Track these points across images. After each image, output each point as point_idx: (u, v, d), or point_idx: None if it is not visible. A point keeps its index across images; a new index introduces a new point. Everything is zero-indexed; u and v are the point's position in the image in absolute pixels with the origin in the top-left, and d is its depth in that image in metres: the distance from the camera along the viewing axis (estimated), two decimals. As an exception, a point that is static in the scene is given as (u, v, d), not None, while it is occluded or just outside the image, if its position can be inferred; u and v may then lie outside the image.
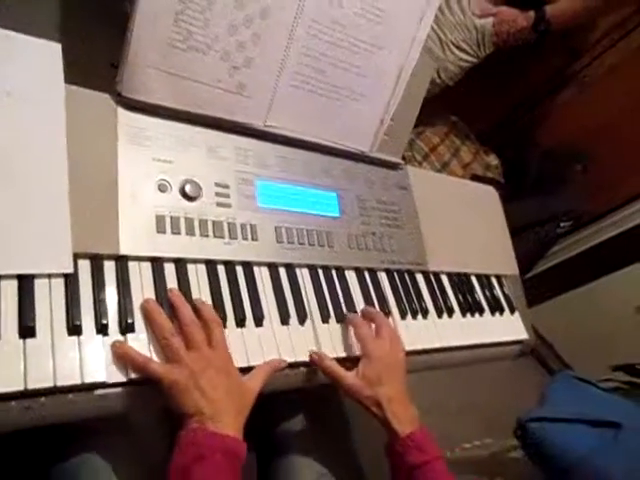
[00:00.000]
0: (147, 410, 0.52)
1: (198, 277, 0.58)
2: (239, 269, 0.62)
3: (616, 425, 0.82)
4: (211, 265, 0.60)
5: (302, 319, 0.64)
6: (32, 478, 0.55)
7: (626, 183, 1.59)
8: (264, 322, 0.60)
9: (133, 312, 0.51)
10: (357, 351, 0.66)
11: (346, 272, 0.73)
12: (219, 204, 0.62)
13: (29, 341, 0.44)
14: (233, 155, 0.67)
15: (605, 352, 1.64)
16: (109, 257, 0.53)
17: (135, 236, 0.55)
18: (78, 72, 0.57)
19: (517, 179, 1.63)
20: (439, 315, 0.80)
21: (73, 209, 0.50)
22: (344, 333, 0.67)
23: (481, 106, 1.77)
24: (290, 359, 0.60)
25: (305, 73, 0.69)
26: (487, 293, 0.91)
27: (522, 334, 0.92)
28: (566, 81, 1.63)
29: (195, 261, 0.59)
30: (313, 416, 0.72)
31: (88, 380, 0.45)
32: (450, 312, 0.81)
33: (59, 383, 0.44)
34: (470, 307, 0.85)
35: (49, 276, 0.48)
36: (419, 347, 0.74)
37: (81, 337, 0.47)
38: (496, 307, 0.90)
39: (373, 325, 0.67)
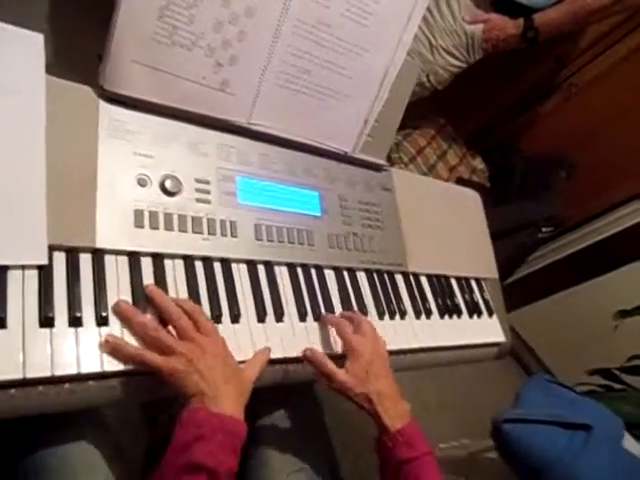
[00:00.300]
0: (121, 403, 0.52)
1: (175, 272, 0.58)
2: (217, 265, 0.62)
3: (587, 427, 0.83)
4: (189, 260, 0.60)
5: (279, 317, 0.64)
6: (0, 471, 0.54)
7: (608, 191, 1.62)
8: (240, 319, 0.61)
9: (108, 306, 0.51)
10: (334, 349, 0.67)
11: (325, 271, 0.73)
12: (199, 200, 0.63)
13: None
14: (215, 151, 0.67)
15: (583, 356, 1.67)
16: (85, 250, 0.53)
17: (112, 230, 0.55)
18: (64, 64, 0.57)
19: (503, 184, 1.65)
20: (417, 316, 0.81)
21: (50, 201, 0.50)
22: (321, 331, 0.67)
23: (469, 110, 1.78)
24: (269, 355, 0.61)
25: (290, 72, 0.70)
26: (466, 296, 0.92)
27: (499, 337, 0.93)
28: (553, 88, 1.66)
29: (173, 256, 0.59)
30: (289, 412, 0.72)
31: (59, 372, 0.45)
32: (428, 313, 0.82)
33: (29, 375, 0.44)
34: (448, 309, 0.87)
35: (23, 267, 0.48)
36: (395, 347, 0.74)
37: (53, 329, 0.47)
38: (474, 310, 0.91)
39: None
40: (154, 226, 0.58)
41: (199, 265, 0.61)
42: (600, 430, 0.84)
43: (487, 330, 0.92)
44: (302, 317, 0.67)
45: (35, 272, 0.48)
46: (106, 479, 0.54)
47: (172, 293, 0.57)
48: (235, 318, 0.61)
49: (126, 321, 0.51)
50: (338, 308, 0.71)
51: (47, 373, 0.45)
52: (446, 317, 0.86)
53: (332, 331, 0.67)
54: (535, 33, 1.25)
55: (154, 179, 0.60)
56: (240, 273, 0.64)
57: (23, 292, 0.47)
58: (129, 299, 0.53)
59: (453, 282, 0.92)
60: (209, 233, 0.62)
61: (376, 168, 0.86)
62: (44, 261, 0.48)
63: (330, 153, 0.80)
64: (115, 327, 0.51)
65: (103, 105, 0.59)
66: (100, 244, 0.53)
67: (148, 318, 0.52)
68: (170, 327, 0.53)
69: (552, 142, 1.67)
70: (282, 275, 0.68)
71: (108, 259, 0.54)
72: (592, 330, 1.67)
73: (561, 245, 1.75)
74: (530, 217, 1.48)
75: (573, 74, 1.60)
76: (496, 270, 1.02)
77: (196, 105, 0.65)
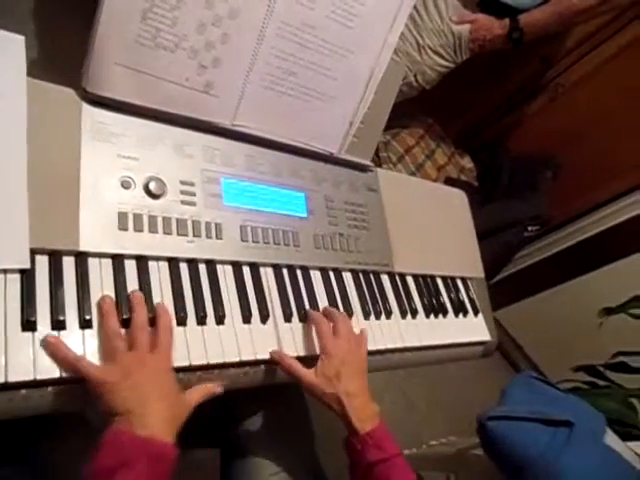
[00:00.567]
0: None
1: (160, 274, 0.59)
2: (202, 267, 0.62)
3: (569, 424, 0.85)
4: (173, 263, 0.60)
5: (264, 318, 0.65)
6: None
7: (592, 191, 1.64)
8: (225, 320, 0.61)
9: (91, 309, 0.51)
10: (319, 350, 0.67)
11: (311, 272, 0.74)
12: (184, 202, 0.63)
13: (-19, 336, 0.44)
14: (200, 153, 0.67)
15: (569, 352, 1.69)
16: (68, 253, 0.53)
17: (96, 232, 0.55)
18: (46, 65, 0.57)
19: (490, 183, 1.66)
20: (403, 316, 0.81)
21: (32, 204, 0.50)
22: (306, 332, 0.68)
23: (456, 109, 1.80)
24: (251, 357, 0.61)
25: (274, 74, 0.70)
26: (452, 295, 0.93)
27: (485, 335, 0.95)
28: (539, 89, 1.67)
29: (157, 259, 0.59)
30: (273, 415, 0.73)
31: (41, 377, 0.45)
32: (414, 313, 0.83)
33: (11, 379, 0.44)
34: (434, 308, 0.87)
35: (5, 271, 0.48)
36: (381, 347, 0.75)
37: (35, 333, 0.47)
38: (460, 309, 0.92)
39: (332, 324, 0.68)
40: (138, 229, 0.58)
41: (184, 267, 0.61)
42: (582, 427, 0.85)
43: (473, 329, 0.93)
44: (287, 318, 0.67)
45: (17, 276, 0.48)
46: None
47: (157, 295, 0.57)
48: (220, 319, 0.61)
49: (101, 317, 0.51)
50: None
51: (30, 377, 0.45)
52: (432, 317, 0.87)
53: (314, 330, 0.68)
54: (520, 34, 1.26)
55: (138, 181, 0.60)
56: (225, 275, 0.64)
57: (5, 296, 0.47)
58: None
59: (439, 282, 0.93)
60: (194, 235, 0.62)
61: (362, 169, 0.87)
62: (26, 265, 0.48)
63: (316, 154, 0.80)
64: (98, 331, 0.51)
65: (86, 107, 0.59)
66: (83, 247, 0.53)
67: (115, 322, 0.51)
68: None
69: (538, 142, 1.69)
70: (268, 276, 0.68)
71: (92, 262, 0.54)
72: (578, 327, 1.70)
73: (547, 244, 1.77)
74: (516, 216, 1.50)
75: (559, 74, 1.62)
76: (482, 269, 1.03)
77: (180, 107, 0.65)
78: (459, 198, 1.07)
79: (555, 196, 1.56)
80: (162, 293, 0.58)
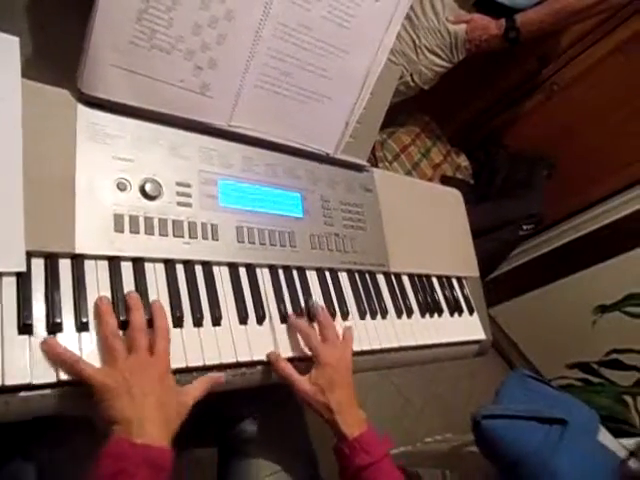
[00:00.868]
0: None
1: (156, 276, 0.59)
2: (198, 268, 0.63)
3: (563, 422, 0.85)
4: (170, 264, 0.60)
5: (260, 319, 0.65)
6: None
7: (587, 189, 1.65)
8: (222, 321, 0.61)
9: (88, 311, 0.51)
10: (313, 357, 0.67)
11: (307, 272, 0.74)
12: (180, 203, 0.63)
13: (-23, 340, 0.44)
14: (197, 154, 0.67)
15: (564, 350, 1.70)
16: (64, 255, 0.53)
17: (92, 235, 0.55)
18: (41, 66, 0.56)
19: (486, 181, 1.67)
20: (398, 315, 0.82)
21: (28, 207, 0.50)
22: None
23: (453, 107, 1.80)
24: (247, 358, 0.61)
25: (270, 74, 0.70)
26: (447, 294, 0.93)
27: (480, 334, 0.95)
28: (535, 87, 1.68)
29: (154, 260, 0.59)
30: (270, 415, 0.73)
31: (37, 380, 0.45)
32: (409, 312, 0.84)
33: (8, 382, 0.44)
34: (429, 308, 0.88)
35: (0, 274, 0.48)
36: (377, 347, 0.76)
37: (32, 336, 0.47)
38: (455, 308, 0.93)
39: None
40: (134, 230, 0.58)
41: (180, 269, 0.61)
42: (575, 424, 0.86)
43: (468, 328, 0.94)
44: (283, 319, 0.67)
45: (13, 279, 0.48)
46: None
47: (153, 297, 0.57)
48: (216, 321, 0.61)
49: (98, 318, 0.51)
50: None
51: (26, 380, 0.45)
52: (427, 316, 0.87)
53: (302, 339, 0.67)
54: (517, 33, 1.26)
55: (134, 183, 0.60)
56: (222, 276, 0.64)
57: (1, 299, 0.47)
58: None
59: (434, 281, 0.93)
60: (190, 237, 0.62)
61: (358, 169, 0.87)
62: (22, 268, 0.48)
63: (312, 154, 0.80)
64: (95, 333, 0.51)
65: (81, 109, 0.59)
66: (79, 249, 0.53)
67: (114, 321, 0.51)
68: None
69: (534, 140, 1.69)
70: (264, 277, 0.69)
71: (88, 264, 0.54)
72: (572, 325, 1.71)
73: (542, 241, 1.78)
74: (512, 215, 1.51)
75: (555, 73, 1.62)
76: (477, 268, 1.03)
77: (176, 108, 0.65)
78: (454, 198, 1.07)
79: (550, 194, 1.57)
80: (158, 295, 0.58)
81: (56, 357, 0.47)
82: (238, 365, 0.61)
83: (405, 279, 0.88)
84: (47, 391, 0.47)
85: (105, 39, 0.57)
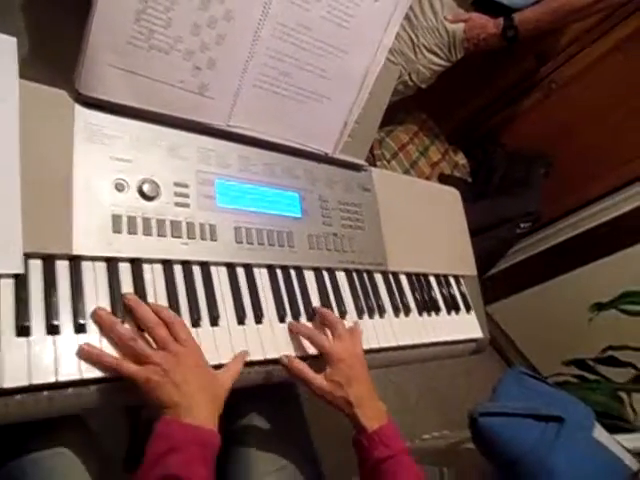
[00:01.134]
0: (100, 409, 0.52)
1: (154, 277, 0.59)
2: (196, 269, 0.63)
3: (559, 419, 0.86)
4: (168, 265, 0.60)
5: (259, 319, 0.65)
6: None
7: (584, 187, 1.65)
8: (220, 322, 0.61)
9: (85, 313, 0.51)
10: (313, 350, 0.68)
11: (305, 272, 0.74)
12: (178, 204, 0.63)
13: (-25, 342, 0.44)
14: (195, 155, 0.67)
15: (561, 347, 1.71)
16: (62, 257, 0.53)
17: (90, 236, 0.54)
18: (39, 66, 0.56)
19: (484, 179, 1.67)
20: (396, 314, 0.82)
21: (25, 208, 0.50)
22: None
23: (451, 105, 1.80)
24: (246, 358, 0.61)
25: (269, 74, 0.70)
26: (445, 293, 0.94)
27: (477, 333, 0.96)
28: (533, 86, 1.68)
29: (151, 261, 0.59)
30: (269, 413, 0.73)
31: (36, 381, 0.46)
32: (407, 311, 0.84)
33: (6, 385, 0.44)
34: (427, 306, 0.88)
35: (-2, 276, 0.48)
36: (375, 346, 0.76)
37: (30, 338, 0.47)
38: (453, 306, 0.93)
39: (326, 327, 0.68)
40: (132, 231, 0.58)
41: (178, 269, 0.61)
42: (572, 422, 0.86)
43: (465, 326, 0.95)
44: (281, 318, 0.68)
45: (11, 281, 0.48)
46: None
47: (151, 298, 0.57)
48: (214, 321, 0.61)
49: (104, 330, 0.51)
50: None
51: (24, 382, 0.45)
52: (424, 314, 0.87)
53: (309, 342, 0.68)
54: (515, 32, 1.26)
55: (132, 183, 0.60)
56: (219, 276, 0.64)
57: (-1, 301, 0.47)
58: (107, 306, 0.53)
59: (432, 280, 0.93)
60: (188, 237, 0.62)
61: (356, 168, 0.87)
62: (20, 270, 0.48)
63: (310, 154, 0.80)
64: (93, 334, 0.51)
65: (79, 109, 0.59)
66: (77, 251, 0.53)
67: (125, 328, 0.52)
68: (147, 335, 0.54)
69: (531, 138, 1.69)
70: (262, 277, 0.69)
71: (85, 265, 0.54)
72: (569, 322, 1.72)
73: (539, 239, 1.79)
74: (509, 213, 1.51)
75: (553, 71, 1.62)
76: (474, 267, 1.04)
77: (174, 109, 0.64)
78: (452, 196, 1.08)
79: (547, 192, 1.57)
80: (156, 295, 0.58)
81: (95, 359, 0.49)
82: (236, 365, 0.61)
83: (403, 278, 0.88)
84: (45, 393, 0.47)
85: (103, 39, 0.57)
